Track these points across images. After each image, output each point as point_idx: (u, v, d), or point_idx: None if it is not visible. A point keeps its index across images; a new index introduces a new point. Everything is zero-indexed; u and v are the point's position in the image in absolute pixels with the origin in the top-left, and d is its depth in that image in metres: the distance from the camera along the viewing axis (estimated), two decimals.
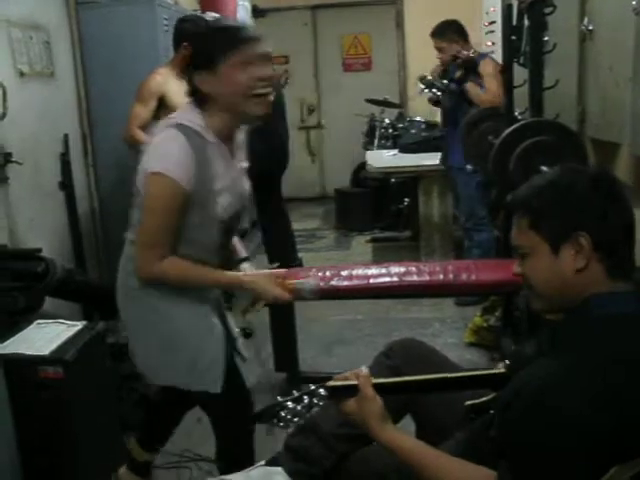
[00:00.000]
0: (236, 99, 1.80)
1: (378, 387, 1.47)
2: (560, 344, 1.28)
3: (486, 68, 4.20)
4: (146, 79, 3.49)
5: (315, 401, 1.51)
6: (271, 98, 1.83)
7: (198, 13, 4.35)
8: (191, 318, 1.98)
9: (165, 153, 1.79)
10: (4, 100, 2.88)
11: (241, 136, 2.01)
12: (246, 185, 2.04)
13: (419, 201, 4.97)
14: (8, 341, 2.41)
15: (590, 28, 3.15)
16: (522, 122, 3.01)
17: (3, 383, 2.25)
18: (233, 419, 2.13)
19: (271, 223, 4.92)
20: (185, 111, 1.88)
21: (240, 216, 2.04)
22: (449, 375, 1.62)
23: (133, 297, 2.00)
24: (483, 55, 4.34)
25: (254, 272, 2.10)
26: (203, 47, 1.83)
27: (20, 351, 2.24)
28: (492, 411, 1.50)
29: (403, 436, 1.46)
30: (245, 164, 2.04)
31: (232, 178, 1.93)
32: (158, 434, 2.49)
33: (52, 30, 3.60)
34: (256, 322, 3.92)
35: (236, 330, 2.17)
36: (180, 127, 1.81)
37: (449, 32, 4.33)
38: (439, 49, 4.38)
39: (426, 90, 4.49)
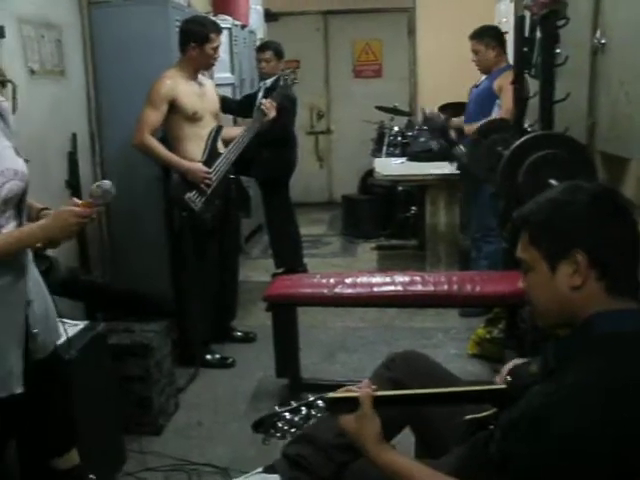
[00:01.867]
0: None
1: (379, 400, 1.46)
2: (564, 363, 1.27)
3: (505, 82, 3.97)
4: (156, 83, 3.47)
5: (313, 412, 1.50)
6: None
7: (204, 14, 4.34)
8: None
9: None
10: (14, 97, 2.88)
11: None
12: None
13: (426, 210, 4.96)
14: None
15: (602, 42, 3.13)
16: (532, 134, 2.99)
17: None
18: None
19: (279, 227, 4.91)
20: None
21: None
22: (450, 390, 1.61)
23: None
24: (503, 69, 4.23)
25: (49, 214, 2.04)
26: None
27: None
28: (492, 426, 1.49)
29: (400, 458, 1.44)
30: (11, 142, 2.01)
31: None
32: None
33: (64, 29, 3.60)
34: (258, 327, 3.92)
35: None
36: None
37: (487, 36, 4.31)
38: (475, 52, 4.36)
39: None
